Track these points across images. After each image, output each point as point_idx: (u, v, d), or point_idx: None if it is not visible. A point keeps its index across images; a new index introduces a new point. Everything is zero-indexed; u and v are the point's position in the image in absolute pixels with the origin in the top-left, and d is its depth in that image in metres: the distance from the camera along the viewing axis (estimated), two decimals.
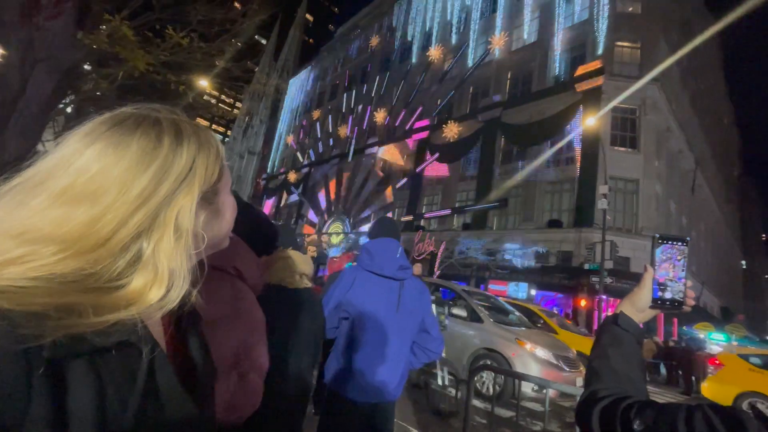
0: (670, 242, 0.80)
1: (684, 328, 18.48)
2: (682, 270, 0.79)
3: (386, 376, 1.78)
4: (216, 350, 0.62)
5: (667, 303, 0.78)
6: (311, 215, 31.76)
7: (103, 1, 7.89)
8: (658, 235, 0.81)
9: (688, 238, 0.80)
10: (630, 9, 18.00)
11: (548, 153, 17.27)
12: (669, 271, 0.79)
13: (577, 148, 16.86)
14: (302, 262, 1.57)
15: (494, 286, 17.37)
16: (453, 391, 5.14)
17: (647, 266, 0.80)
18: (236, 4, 8.66)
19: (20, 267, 0.36)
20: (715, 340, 17.34)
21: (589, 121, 14.83)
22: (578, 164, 16.69)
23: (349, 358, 1.78)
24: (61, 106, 9.22)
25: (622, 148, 16.74)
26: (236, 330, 0.97)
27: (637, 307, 0.80)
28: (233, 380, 0.94)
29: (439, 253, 19.58)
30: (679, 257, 0.79)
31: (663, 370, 13.96)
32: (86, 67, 9.31)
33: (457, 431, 2.63)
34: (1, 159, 7.95)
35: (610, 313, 0.85)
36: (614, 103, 16.01)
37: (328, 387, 1.81)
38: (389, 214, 24.89)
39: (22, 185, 0.42)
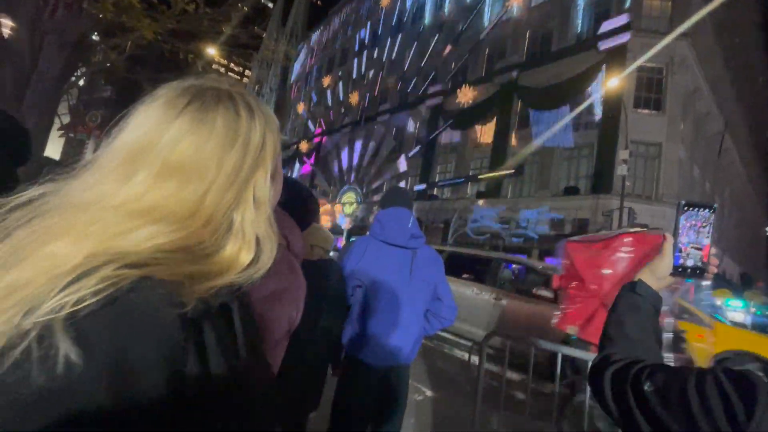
0: (695, 209, 0.78)
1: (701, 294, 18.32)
2: (706, 237, 0.77)
3: (400, 341, 1.84)
4: (273, 322, 0.68)
5: (689, 270, 0.77)
6: (324, 185, 31.85)
7: None
8: (683, 202, 0.79)
9: (714, 205, 0.78)
10: None
11: (567, 117, 16.61)
12: (692, 238, 0.78)
13: (598, 112, 16.16)
14: (317, 235, 1.57)
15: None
16: (466, 355, 5.30)
17: (666, 235, 0.79)
18: None
19: (153, 242, 0.39)
20: (732, 307, 17.18)
21: (611, 83, 14.08)
22: (598, 128, 16.06)
23: (364, 324, 1.83)
24: (73, 79, 9.24)
25: (646, 111, 15.97)
26: (291, 303, 0.99)
27: (657, 275, 0.80)
28: (282, 349, 0.97)
29: (453, 222, 19.57)
30: (703, 224, 0.78)
31: None
32: (94, 37, 9.22)
33: (470, 393, 2.74)
34: None
35: (628, 281, 0.84)
36: (640, 62, 15.10)
37: (345, 351, 1.88)
38: (402, 183, 24.76)
39: (117, 159, 0.43)
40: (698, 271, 0.77)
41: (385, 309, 1.84)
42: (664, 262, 0.79)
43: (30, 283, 0.34)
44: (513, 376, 4.68)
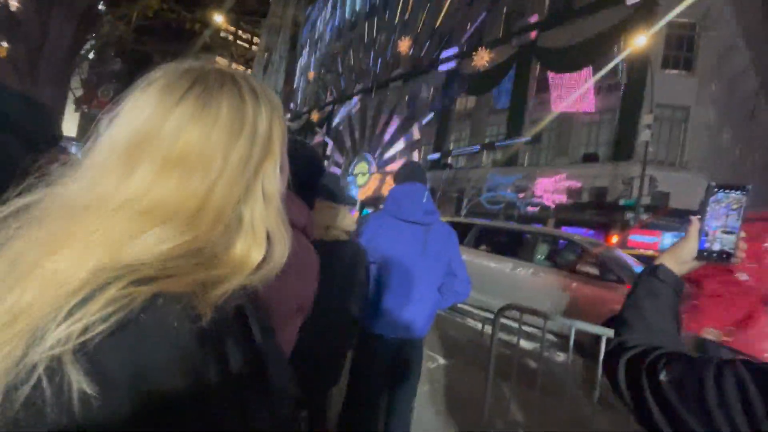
0: (725, 190, 0.73)
1: None
2: (737, 220, 0.73)
3: (414, 315, 1.87)
4: (278, 300, 0.66)
5: (714, 255, 0.74)
6: (336, 155, 31.67)
7: None
8: (713, 184, 0.75)
9: (748, 186, 0.73)
10: None
11: (588, 75, 15.79)
12: (721, 221, 0.73)
13: (622, 73, 15.31)
14: (335, 216, 1.54)
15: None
16: (480, 325, 5.39)
17: (692, 218, 0.76)
18: None
19: (161, 248, 0.36)
20: None
21: (639, 41, 13.20)
22: (622, 92, 15.28)
23: (379, 298, 1.86)
24: (82, 52, 9.20)
25: (675, 71, 15.05)
26: (299, 280, 0.96)
27: (679, 259, 0.77)
28: (296, 325, 0.97)
29: (467, 192, 19.37)
30: (734, 206, 0.73)
31: None
32: (100, 7, 9.06)
33: (482, 359, 2.81)
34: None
35: (649, 265, 0.81)
36: (672, 15, 14.03)
37: (361, 325, 1.92)
38: (416, 152, 24.40)
39: (114, 153, 0.40)
40: (725, 256, 0.73)
41: (399, 284, 1.85)
42: (688, 246, 0.76)
43: (32, 306, 0.32)
44: (526, 345, 4.76)
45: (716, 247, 0.74)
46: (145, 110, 0.41)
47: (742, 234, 0.73)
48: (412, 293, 1.85)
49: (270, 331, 0.50)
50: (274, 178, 0.46)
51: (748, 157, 21.47)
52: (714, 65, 15.04)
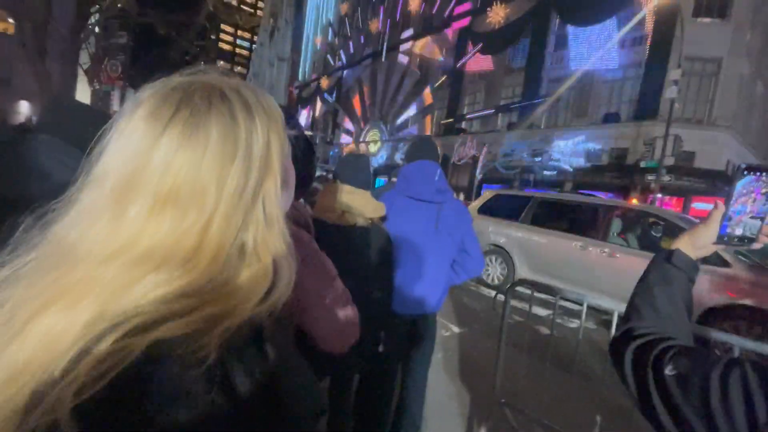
0: (756, 173, 0.68)
1: None
2: (764, 204, 0.69)
3: (426, 292, 1.90)
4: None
5: (736, 239, 0.71)
6: (347, 124, 31.18)
7: None
8: (743, 165, 0.69)
9: None
10: None
11: (611, 28, 14.80)
12: (747, 206, 0.70)
13: (649, 24, 14.27)
14: (351, 198, 1.49)
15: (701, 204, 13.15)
16: (492, 293, 5.46)
17: (717, 202, 0.72)
18: None
19: (157, 293, 0.35)
20: None
21: None
22: (648, 45, 14.32)
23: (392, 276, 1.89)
24: (89, 26, 9.07)
25: (707, 19, 13.94)
26: (304, 276, 0.95)
27: (697, 244, 0.74)
28: (314, 316, 0.96)
29: (482, 157, 18.96)
30: (764, 190, 0.69)
31: None
32: None
33: (496, 328, 2.86)
34: (47, 83, 8.27)
35: (663, 250, 0.79)
36: None
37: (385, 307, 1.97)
38: (428, 117, 23.80)
39: (103, 194, 0.38)
40: (745, 240, 0.70)
41: (411, 262, 1.87)
42: (709, 231, 0.72)
43: (28, 365, 0.31)
44: (539, 311, 4.82)
45: (738, 231, 0.70)
46: (131, 142, 0.39)
47: None
48: (424, 271, 1.87)
49: (287, 343, 0.49)
50: (275, 198, 0.43)
51: None
52: (751, 10, 13.84)
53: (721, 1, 13.89)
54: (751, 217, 0.70)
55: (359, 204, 1.50)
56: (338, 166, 1.62)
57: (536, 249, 5.77)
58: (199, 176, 0.38)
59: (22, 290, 0.35)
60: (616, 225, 5.33)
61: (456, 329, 4.11)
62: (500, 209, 6.45)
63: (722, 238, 0.71)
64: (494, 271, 6.27)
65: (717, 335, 1.67)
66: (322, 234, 1.47)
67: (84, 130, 1.04)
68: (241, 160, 0.40)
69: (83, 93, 17.18)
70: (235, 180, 0.40)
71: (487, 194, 7.00)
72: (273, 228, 0.43)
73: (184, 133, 0.38)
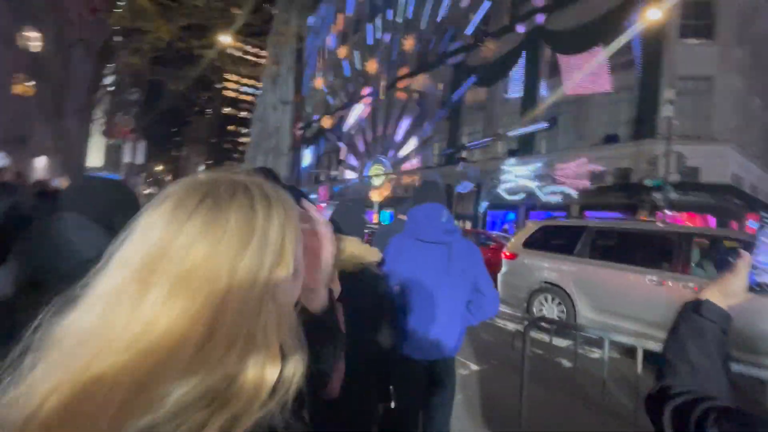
0: None
1: None
2: None
3: (442, 336, 1.88)
4: None
5: (766, 287, 0.71)
6: (351, 160, 31.83)
7: None
8: (766, 215, 0.71)
9: None
10: None
11: (600, 54, 15.28)
12: None
13: (637, 49, 14.73)
14: (344, 246, 1.44)
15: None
16: (509, 325, 5.33)
17: (743, 252, 0.72)
18: None
19: (175, 393, 0.35)
20: None
21: (652, 14, 12.69)
22: (638, 68, 14.72)
23: (405, 321, 1.88)
24: (105, 84, 9.61)
25: (694, 40, 14.38)
26: None
27: (727, 293, 0.72)
28: None
29: (485, 184, 19.11)
30: None
31: None
32: (116, 38, 9.43)
33: (515, 362, 2.77)
34: (63, 141, 8.62)
35: (690, 300, 0.77)
36: None
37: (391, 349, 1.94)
38: (429, 149, 24.25)
39: (127, 277, 0.39)
40: None
41: (425, 305, 1.87)
42: (737, 281, 0.72)
43: None
44: (559, 342, 4.67)
45: (765, 278, 0.70)
46: (156, 230, 0.40)
47: None
48: (438, 314, 1.86)
49: (299, 418, 0.49)
50: (286, 288, 0.44)
51: None
52: (737, 29, 14.28)
53: (705, 22, 14.38)
54: None
55: (348, 250, 1.48)
56: (333, 213, 1.66)
57: (599, 286, 5.05)
58: (214, 260, 0.39)
59: (39, 382, 0.35)
60: (696, 253, 4.67)
61: (474, 366, 3.99)
62: (549, 242, 5.83)
63: (753, 288, 0.71)
64: (550, 312, 5.50)
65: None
66: None
67: (110, 209, 1.08)
68: (256, 246, 0.41)
69: (97, 146, 17.89)
70: (248, 264, 0.40)
71: (531, 226, 6.35)
72: (283, 315, 0.44)
73: (206, 220, 0.40)
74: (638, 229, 5.35)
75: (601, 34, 15.45)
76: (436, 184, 2.05)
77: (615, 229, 5.57)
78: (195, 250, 0.39)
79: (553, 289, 5.51)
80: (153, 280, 0.38)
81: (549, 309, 5.55)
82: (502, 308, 5.65)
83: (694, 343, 0.71)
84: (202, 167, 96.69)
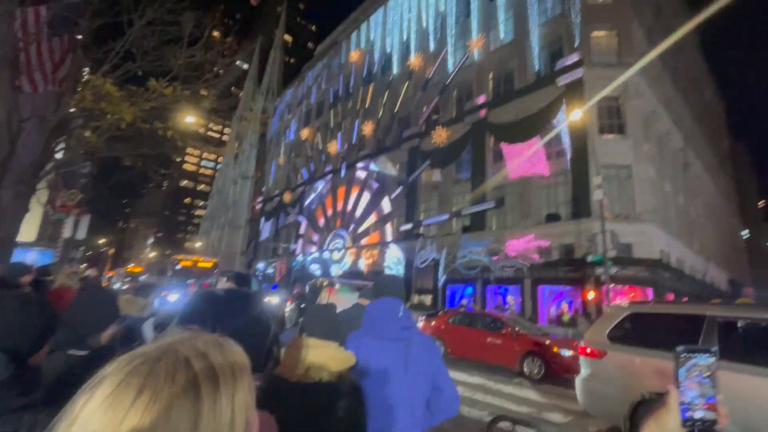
0: (693, 355, 0.74)
1: None
2: (711, 388, 0.72)
3: None
4: None
5: (698, 422, 0.72)
6: (311, 234, 31.75)
7: (82, 59, 7.96)
8: (680, 349, 0.74)
9: (713, 349, 0.75)
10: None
11: (536, 144, 17.35)
12: (695, 390, 0.73)
13: (567, 141, 16.98)
14: (317, 352, 1.44)
15: None
16: (475, 413, 5.11)
17: (670, 388, 0.74)
18: (214, 34, 8.73)
19: None
20: None
21: (574, 115, 14.96)
22: (569, 156, 16.81)
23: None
24: (52, 162, 9.25)
25: (611, 135, 16.88)
26: None
27: (665, 430, 0.74)
28: None
29: (442, 259, 19.63)
30: (706, 373, 0.73)
31: None
32: (73, 115, 9.32)
33: None
34: None
35: None
36: (596, 98, 16.25)
37: None
38: (388, 224, 24.92)
39: None
40: (707, 423, 0.72)
41: (383, 406, 1.80)
42: (671, 417, 0.73)
43: None
44: None
45: (698, 414, 0.72)
46: (93, 422, 0.37)
47: (720, 398, 0.73)
48: (398, 417, 1.79)
49: None
50: None
51: (691, 204, 23.39)
52: (642, 128, 17.04)
53: (618, 122, 17.07)
54: (704, 407, 0.72)
55: (325, 358, 1.46)
56: (304, 318, 1.65)
57: (747, 402, 3.45)
58: None
59: None
60: None
61: None
62: (647, 334, 4.46)
63: (686, 423, 0.72)
64: None
65: None
66: (281, 395, 1.41)
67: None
68: (205, 425, 0.40)
69: (33, 219, 16.50)
70: None
71: (612, 312, 5.00)
72: None
73: (143, 421, 0.38)
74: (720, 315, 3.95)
75: (536, 127, 17.76)
76: (390, 278, 2.10)
77: (753, 320, 3.83)
78: None
79: None
80: None
81: None
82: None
83: None
84: (150, 240, 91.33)
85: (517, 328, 9.31)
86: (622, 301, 14.71)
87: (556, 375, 7.95)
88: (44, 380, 1.09)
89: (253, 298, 1.58)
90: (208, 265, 19.25)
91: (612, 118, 17.09)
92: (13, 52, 7.01)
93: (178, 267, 18.20)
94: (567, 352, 8.17)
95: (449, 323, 10.82)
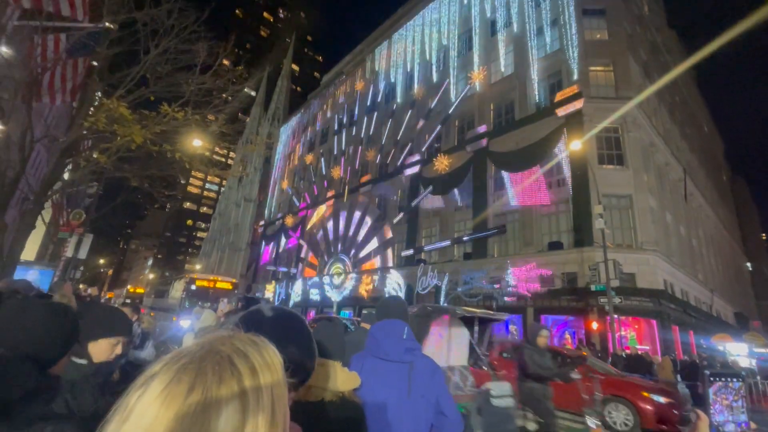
0: (723, 379, 0.75)
1: (701, 341, 18.02)
2: (742, 412, 0.74)
3: None
4: None
5: None
6: (311, 258, 31.61)
7: (98, 82, 8.26)
8: (708, 372, 0.76)
9: (742, 373, 0.77)
10: (598, 36, 19.03)
11: (537, 173, 17.55)
12: (726, 414, 0.75)
13: (567, 170, 17.18)
14: (318, 370, 1.37)
15: None
16: None
17: (700, 413, 0.75)
18: (225, 62, 9.07)
19: None
20: (735, 355, 16.76)
21: (574, 145, 15.22)
22: (570, 185, 16.97)
23: None
24: (59, 183, 9.38)
25: (611, 166, 17.10)
26: None
27: None
28: None
29: (443, 285, 19.42)
30: (735, 397, 0.75)
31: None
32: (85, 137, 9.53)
33: None
34: (2, 238, 7.98)
35: None
36: (596, 130, 16.63)
37: None
38: (389, 249, 24.85)
39: None
40: None
41: (386, 429, 1.77)
42: None
43: None
44: None
45: None
46: (147, 417, 0.39)
47: (753, 426, 0.74)
48: None
49: None
50: None
51: (693, 236, 23.35)
52: (642, 159, 17.27)
53: (617, 152, 17.33)
54: (732, 423, 0.74)
55: (327, 377, 1.42)
56: (315, 334, 1.64)
57: None
58: None
59: None
60: None
61: None
62: None
63: None
64: None
65: None
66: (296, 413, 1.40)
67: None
68: (251, 420, 0.43)
69: (33, 238, 16.49)
70: None
71: None
72: None
73: (195, 417, 0.40)
74: None
75: (536, 156, 18.03)
76: (396, 300, 2.11)
77: None
78: None
79: None
80: None
81: None
82: None
83: None
84: (150, 261, 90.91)
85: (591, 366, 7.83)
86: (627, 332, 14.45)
87: (650, 426, 6.86)
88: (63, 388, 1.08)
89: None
90: (228, 286, 17.75)
91: (612, 148, 17.37)
92: (32, 75, 7.29)
93: (193, 287, 16.73)
94: (660, 398, 7.08)
95: (503, 358, 9.05)
